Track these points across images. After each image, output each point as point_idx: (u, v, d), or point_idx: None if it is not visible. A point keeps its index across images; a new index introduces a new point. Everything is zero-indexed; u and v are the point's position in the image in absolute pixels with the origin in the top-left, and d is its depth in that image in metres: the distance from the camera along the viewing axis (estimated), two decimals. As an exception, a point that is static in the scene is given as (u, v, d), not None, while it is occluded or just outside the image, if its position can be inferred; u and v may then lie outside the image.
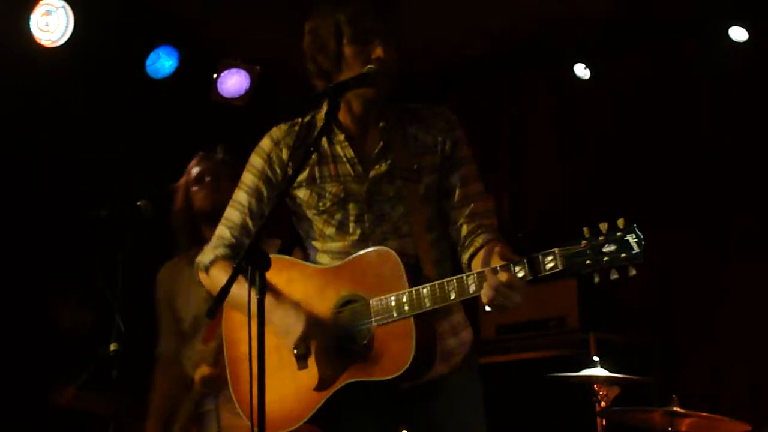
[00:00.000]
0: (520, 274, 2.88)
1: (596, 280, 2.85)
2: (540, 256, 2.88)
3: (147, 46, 5.70)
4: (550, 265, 2.86)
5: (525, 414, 5.54)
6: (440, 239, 3.25)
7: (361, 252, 3.16)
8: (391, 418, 3.22)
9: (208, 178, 4.40)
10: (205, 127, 4.72)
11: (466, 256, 3.17)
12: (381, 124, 3.24)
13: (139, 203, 3.98)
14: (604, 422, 4.73)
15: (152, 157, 4.51)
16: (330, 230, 3.24)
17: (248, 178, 3.33)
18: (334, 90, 3.09)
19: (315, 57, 3.20)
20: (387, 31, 3.15)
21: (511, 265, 2.90)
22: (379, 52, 3.12)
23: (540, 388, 5.25)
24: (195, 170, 4.44)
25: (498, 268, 2.91)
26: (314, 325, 3.11)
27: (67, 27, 5.27)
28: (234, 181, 3.57)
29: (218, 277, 3.25)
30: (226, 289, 2.86)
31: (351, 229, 3.23)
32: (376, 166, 3.23)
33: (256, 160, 3.32)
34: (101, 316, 4.00)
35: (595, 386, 4.68)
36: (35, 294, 5.46)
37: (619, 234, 2.80)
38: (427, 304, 3.01)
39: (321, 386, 3.11)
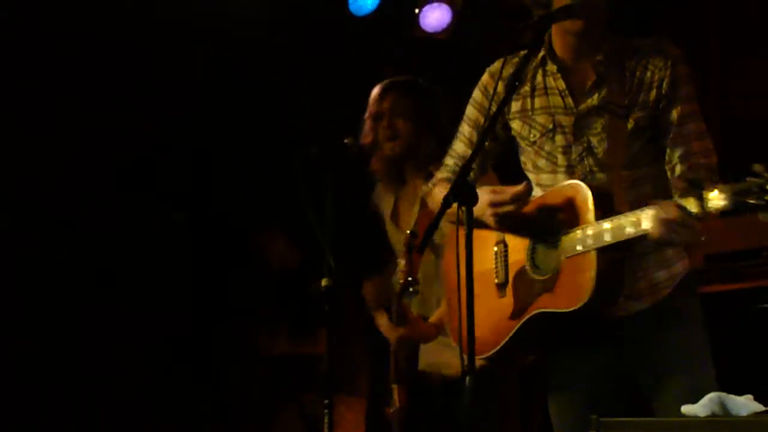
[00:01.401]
0: (694, 210, 2.86)
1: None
2: (707, 193, 2.85)
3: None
4: (719, 202, 2.83)
5: (736, 346, 5.44)
6: (644, 178, 3.24)
7: (557, 186, 3.20)
8: (598, 352, 3.24)
9: (383, 122, 4.30)
10: (407, 64, 4.71)
11: (676, 197, 3.12)
12: (597, 57, 3.24)
13: (345, 140, 4.14)
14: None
15: (356, 95, 4.58)
16: (541, 162, 3.30)
17: (471, 111, 3.45)
18: (538, 22, 3.12)
19: None
20: None
21: (681, 201, 2.89)
22: None
23: (751, 320, 5.15)
24: (373, 108, 4.36)
25: (670, 202, 2.91)
26: (514, 255, 3.21)
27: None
28: (414, 119, 3.99)
29: (438, 195, 3.34)
30: (434, 225, 2.98)
31: (559, 161, 3.27)
32: (588, 99, 3.24)
33: (476, 94, 3.43)
34: (309, 253, 4.10)
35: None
36: (245, 230, 5.61)
37: None
38: (607, 239, 3.02)
39: (515, 315, 3.22)
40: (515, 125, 3.34)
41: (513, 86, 3.18)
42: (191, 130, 5.53)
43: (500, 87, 3.27)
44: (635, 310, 3.21)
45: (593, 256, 3.05)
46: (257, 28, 5.41)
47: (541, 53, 3.27)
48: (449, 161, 3.49)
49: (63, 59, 5.23)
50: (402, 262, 4.01)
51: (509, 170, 3.51)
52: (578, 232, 3.09)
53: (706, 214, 2.87)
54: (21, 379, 5.27)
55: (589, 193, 3.09)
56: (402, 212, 4.34)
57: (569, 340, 3.24)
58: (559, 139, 3.27)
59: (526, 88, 3.31)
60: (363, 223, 4.45)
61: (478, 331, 3.12)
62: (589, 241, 3.06)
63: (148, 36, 5.28)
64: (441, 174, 3.49)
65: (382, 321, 4.20)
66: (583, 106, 3.24)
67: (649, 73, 3.22)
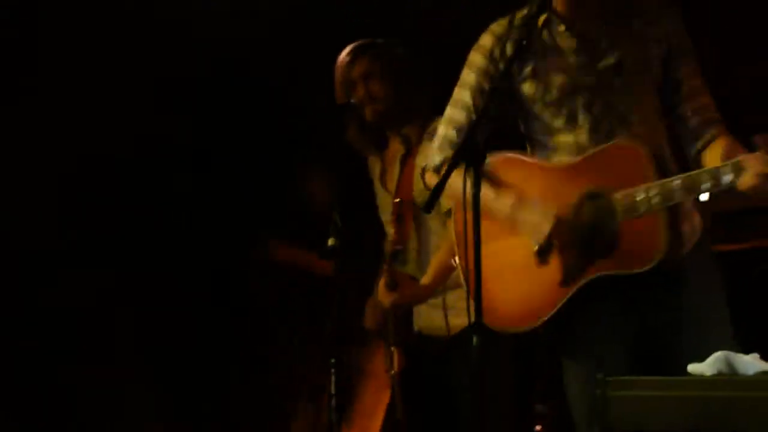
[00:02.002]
0: None
1: None
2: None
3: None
4: None
5: (743, 306, 5.43)
6: (659, 133, 3.25)
7: (601, 147, 3.16)
8: (635, 309, 3.20)
9: (357, 89, 4.20)
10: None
11: (695, 149, 3.21)
12: (606, 16, 3.22)
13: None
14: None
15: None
16: (559, 122, 3.25)
17: (470, 77, 3.34)
18: None
19: None
20: None
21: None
22: None
23: (758, 280, 5.15)
24: (342, 77, 4.23)
25: (760, 155, 2.91)
26: (560, 221, 3.13)
27: None
28: (389, 79, 4.06)
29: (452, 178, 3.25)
30: (440, 186, 2.95)
31: (580, 121, 3.22)
32: (605, 58, 3.21)
33: (476, 58, 3.33)
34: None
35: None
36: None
37: None
38: (677, 197, 3.02)
39: (566, 281, 3.15)
40: (527, 87, 3.27)
41: (521, 47, 3.13)
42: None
43: (509, 48, 3.24)
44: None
45: (662, 215, 3.04)
46: (257, 25, 5.36)
47: (545, 15, 3.21)
48: (451, 134, 3.37)
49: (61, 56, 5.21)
50: (391, 231, 4.00)
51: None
52: (640, 192, 3.06)
53: None
54: (22, 378, 5.26)
55: (644, 152, 3.08)
56: (388, 175, 4.32)
57: (609, 300, 3.18)
58: (578, 98, 3.22)
59: (536, 48, 3.24)
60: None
61: (520, 303, 3.20)
62: (655, 200, 3.03)
63: (147, 33, 5.26)
64: (445, 152, 3.36)
65: (378, 286, 4.11)
66: (601, 65, 3.22)
67: (655, 29, 3.22)
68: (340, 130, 4.19)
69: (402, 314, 4.12)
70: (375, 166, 4.36)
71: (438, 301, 4.04)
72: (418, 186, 3.91)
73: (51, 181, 5.23)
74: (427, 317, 4.15)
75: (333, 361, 3.94)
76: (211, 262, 5.49)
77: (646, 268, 3.05)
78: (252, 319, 5.55)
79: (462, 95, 3.36)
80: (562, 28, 3.24)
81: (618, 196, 3.10)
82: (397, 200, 4.01)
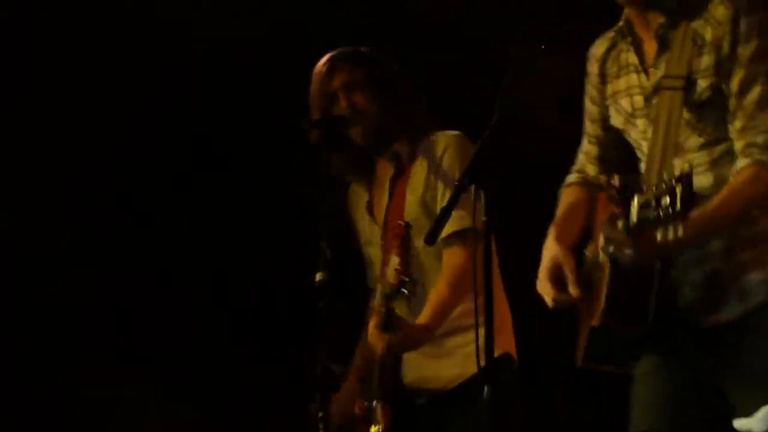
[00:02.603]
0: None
1: None
2: None
3: None
4: None
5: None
6: (726, 155, 2.73)
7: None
8: (682, 361, 2.82)
9: (338, 102, 3.73)
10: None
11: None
12: (659, 21, 2.77)
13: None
14: None
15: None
16: (638, 153, 2.90)
17: (586, 104, 3.05)
18: None
19: None
20: None
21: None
22: None
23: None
24: (321, 89, 3.74)
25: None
26: None
27: None
28: (373, 91, 3.59)
29: (562, 199, 3.05)
30: (446, 211, 2.81)
31: (644, 148, 2.83)
32: (655, 73, 2.79)
33: (586, 84, 3.03)
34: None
35: None
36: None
37: None
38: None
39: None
40: (611, 111, 2.93)
41: (602, 66, 2.88)
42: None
43: (595, 67, 2.95)
44: (724, 321, 2.71)
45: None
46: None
47: (621, 23, 2.85)
48: (579, 158, 3.07)
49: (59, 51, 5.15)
50: (396, 259, 3.36)
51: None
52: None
53: None
54: (22, 378, 5.22)
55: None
56: (375, 202, 3.83)
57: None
58: (639, 123, 2.83)
59: (614, 68, 2.90)
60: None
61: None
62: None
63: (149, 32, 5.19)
64: (569, 177, 3.06)
65: (369, 327, 3.54)
66: (649, 82, 2.81)
67: (709, 31, 2.70)
68: (318, 151, 3.73)
69: (391, 363, 3.55)
70: (358, 193, 3.89)
71: (432, 348, 3.57)
72: (410, 209, 3.62)
73: (51, 181, 5.16)
74: (418, 367, 3.63)
75: (320, 414, 3.58)
76: (211, 262, 5.39)
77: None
78: (252, 319, 5.45)
79: (585, 124, 3.06)
80: (629, 40, 2.90)
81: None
82: (401, 222, 3.47)
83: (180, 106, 5.29)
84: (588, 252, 2.83)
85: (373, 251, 3.79)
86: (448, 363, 3.58)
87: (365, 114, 3.68)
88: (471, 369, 3.16)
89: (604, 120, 2.97)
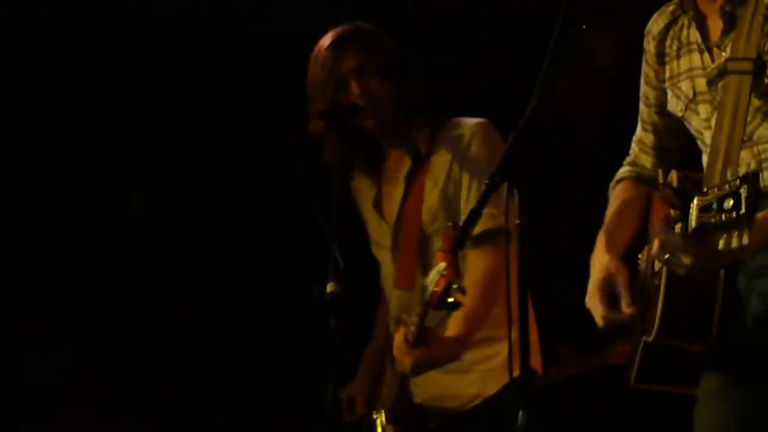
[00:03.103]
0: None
1: None
2: None
3: None
4: None
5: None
6: None
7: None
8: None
9: (349, 89, 3.35)
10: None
11: None
12: None
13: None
14: None
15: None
16: (700, 143, 2.66)
17: (642, 86, 2.80)
18: None
19: None
20: None
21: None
22: None
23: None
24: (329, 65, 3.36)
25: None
26: None
27: None
28: (390, 72, 3.23)
29: (612, 198, 2.83)
30: (475, 213, 2.56)
31: (705, 138, 2.60)
32: (721, 54, 2.55)
33: (643, 64, 2.77)
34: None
35: None
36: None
37: None
38: None
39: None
40: (669, 95, 2.68)
41: (660, 44, 2.63)
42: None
43: (652, 46, 2.70)
44: None
45: None
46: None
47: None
48: (632, 148, 2.85)
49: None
50: (443, 264, 2.71)
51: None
52: None
53: None
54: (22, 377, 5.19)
55: None
56: (385, 198, 3.50)
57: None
58: (702, 109, 2.60)
59: (674, 47, 2.66)
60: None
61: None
62: None
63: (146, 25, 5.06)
64: (621, 170, 2.85)
65: (396, 340, 3.12)
66: (714, 64, 2.56)
67: None
68: (321, 143, 3.38)
69: (402, 381, 3.25)
70: (364, 188, 3.54)
71: (453, 363, 3.18)
72: (431, 205, 3.31)
73: (54, 181, 5.10)
74: (431, 384, 3.28)
75: None
76: (211, 261, 5.27)
77: None
78: (252, 318, 5.29)
79: (640, 108, 2.83)
80: (690, 15, 2.65)
81: None
82: (449, 224, 2.83)
83: (180, 106, 5.21)
84: (642, 257, 2.64)
85: (382, 253, 3.47)
86: (465, 380, 3.27)
87: (381, 101, 3.32)
88: (491, 389, 3.14)
89: (661, 105, 2.73)
